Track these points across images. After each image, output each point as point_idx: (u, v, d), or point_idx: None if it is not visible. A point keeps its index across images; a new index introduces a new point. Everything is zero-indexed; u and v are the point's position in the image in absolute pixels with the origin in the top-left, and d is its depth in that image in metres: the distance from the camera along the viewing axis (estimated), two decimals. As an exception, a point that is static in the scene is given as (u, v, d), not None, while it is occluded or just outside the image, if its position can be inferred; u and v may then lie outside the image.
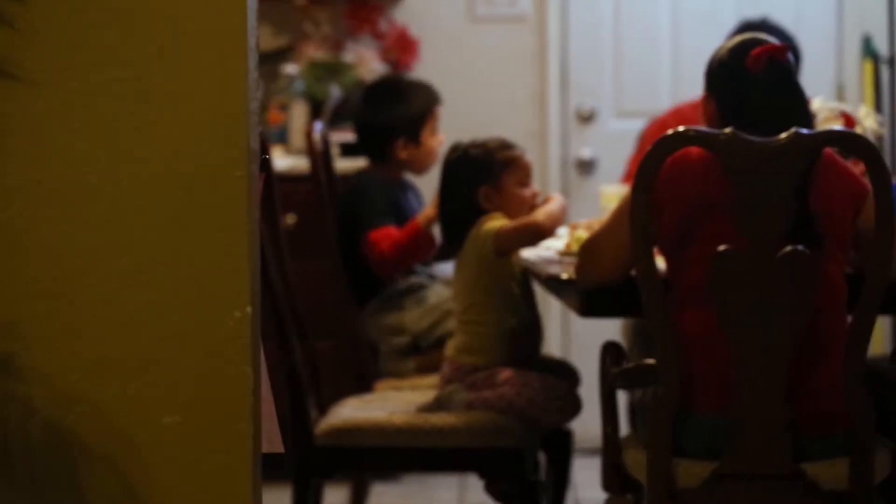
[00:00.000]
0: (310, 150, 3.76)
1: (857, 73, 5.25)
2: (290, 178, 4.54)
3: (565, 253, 3.19)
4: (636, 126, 4.80)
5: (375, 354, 3.87)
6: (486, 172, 3.28)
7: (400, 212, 3.86)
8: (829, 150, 2.68)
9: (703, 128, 2.64)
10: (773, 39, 2.76)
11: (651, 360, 2.61)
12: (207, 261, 2.11)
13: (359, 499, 3.97)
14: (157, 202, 2.11)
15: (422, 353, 3.80)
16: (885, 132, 4.80)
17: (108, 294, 2.11)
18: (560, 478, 3.52)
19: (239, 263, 2.11)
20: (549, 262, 3.14)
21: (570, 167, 5.31)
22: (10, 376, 2.09)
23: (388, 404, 3.34)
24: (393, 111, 3.91)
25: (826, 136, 2.60)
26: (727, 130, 2.54)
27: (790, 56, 2.75)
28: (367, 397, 3.49)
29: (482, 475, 3.18)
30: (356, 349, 3.84)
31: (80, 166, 2.11)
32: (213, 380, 2.12)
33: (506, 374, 3.19)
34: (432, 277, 3.92)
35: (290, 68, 5.04)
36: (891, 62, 5.04)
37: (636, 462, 2.69)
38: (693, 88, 3.46)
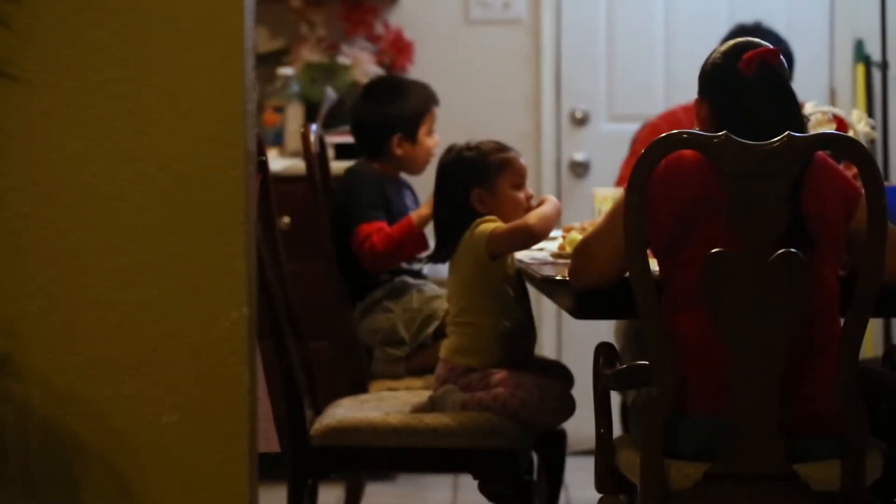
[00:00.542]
0: (305, 152, 3.76)
1: (849, 77, 5.27)
2: (285, 180, 4.54)
3: (559, 254, 3.20)
4: (629, 129, 4.81)
5: (369, 355, 3.87)
6: (480, 175, 3.28)
7: (392, 208, 3.85)
8: (821, 154, 2.69)
9: (696, 131, 2.65)
10: (766, 43, 2.76)
11: (644, 362, 2.62)
12: (204, 261, 2.11)
13: (353, 498, 3.97)
14: (154, 202, 2.11)
15: (411, 356, 3.80)
16: (877, 136, 4.82)
17: (105, 294, 2.11)
18: (553, 478, 3.52)
19: (235, 264, 2.11)
20: (543, 263, 3.15)
21: (563, 169, 5.32)
22: (6, 376, 2.09)
23: (383, 404, 3.34)
24: (391, 107, 3.90)
25: (819, 140, 2.61)
26: (721, 134, 2.55)
27: (783, 60, 2.76)
28: (362, 397, 3.50)
29: (476, 475, 3.19)
30: (351, 349, 3.84)
31: (76, 166, 2.11)
32: (210, 380, 2.12)
33: (500, 375, 3.20)
34: (418, 275, 3.91)
35: (286, 70, 5.05)
36: (883, 66, 5.05)
37: (629, 463, 2.69)
38: (686, 92, 3.47)
